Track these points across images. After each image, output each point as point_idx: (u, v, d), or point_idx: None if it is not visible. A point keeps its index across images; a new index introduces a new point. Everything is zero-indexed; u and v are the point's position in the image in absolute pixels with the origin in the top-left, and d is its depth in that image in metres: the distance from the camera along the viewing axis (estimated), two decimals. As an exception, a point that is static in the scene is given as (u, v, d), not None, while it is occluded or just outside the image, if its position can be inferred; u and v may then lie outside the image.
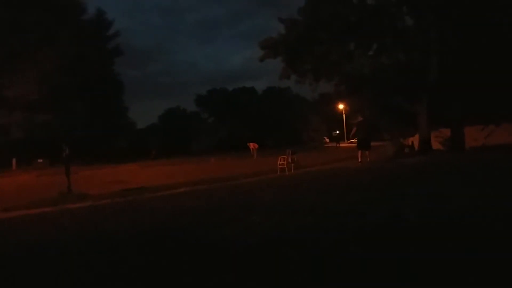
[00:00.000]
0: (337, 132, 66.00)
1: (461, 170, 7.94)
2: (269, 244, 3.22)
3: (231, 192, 7.43)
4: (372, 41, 15.72)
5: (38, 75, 24.52)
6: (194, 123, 54.62)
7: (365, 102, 17.59)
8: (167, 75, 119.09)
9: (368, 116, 11.75)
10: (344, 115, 53.77)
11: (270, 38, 16.33)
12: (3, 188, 13.62)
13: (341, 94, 20.62)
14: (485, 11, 12.33)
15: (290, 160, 12.31)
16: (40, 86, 24.66)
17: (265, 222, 4.01)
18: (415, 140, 16.58)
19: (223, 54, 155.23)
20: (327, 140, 62.05)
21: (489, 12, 12.29)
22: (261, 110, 54.33)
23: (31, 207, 7.07)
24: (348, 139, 56.57)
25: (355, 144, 13.80)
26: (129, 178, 13.63)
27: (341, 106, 52.20)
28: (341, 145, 43.29)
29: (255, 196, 6.65)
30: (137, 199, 7.41)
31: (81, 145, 26.45)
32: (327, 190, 6.53)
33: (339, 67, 15.58)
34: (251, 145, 26.95)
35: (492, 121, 13.81)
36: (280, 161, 12.19)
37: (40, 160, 26.72)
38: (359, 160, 11.61)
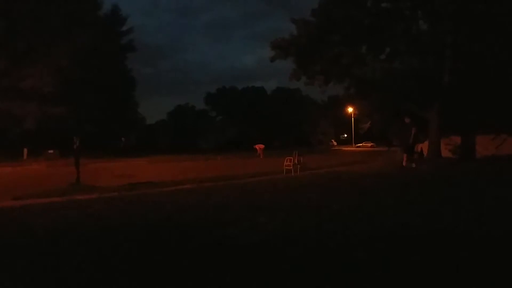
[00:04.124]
0: (345, 135, 65.52)
1: (465, 184, 7.81)
2: (273, 244, 3.23)
3: (237, 190, 7.45)
4: (385, 45, 15.56)
5: (53, 68, 25.01)
6: (202, 121, 54.91)
7: (375, 106, 17.43)
8: (178, 72, 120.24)
9: (411, 120, 11.48)
10: (352, 118, 53.32)
11: (282, 38, 16.32)
12: (14, 177, 13.93)
13: (351, 97, 20.47)
14: (501, 19, 12.09)
15: (296, 162, 12.28)
16: (55, 79, 25.14)
17: (269, 222, 4.03)
18: (424, 147, 16.35)
19: (235, 54, 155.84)
20: (335, 143, 61.64)
21: (505, 20, 12.05)
22: (270, 111, 54.25)
23: (40, 196, 7.21)
24: (355, 143, 56.12)
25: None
26: (137, 172, 13.79)
27: (350, 110, 51.77)
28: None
29: (260, 195, 6.67)
30: (144, 193, 7.50)
31: (91, 138, 26.85)
32: (332, 193, 6.50)
33: (350, 70, 15.47)
34: (257, 147, 26.99)
35: (504, 130, 13.53)
36: (287, 162, 12.17)
37: (50, 151, 27.20)
38: (406, 163, 11.34)
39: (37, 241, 3.66)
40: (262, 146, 27.17)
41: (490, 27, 12.26)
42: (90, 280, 2.52)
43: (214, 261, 2.80)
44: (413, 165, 11.01)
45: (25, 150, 26.77)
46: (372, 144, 53.71)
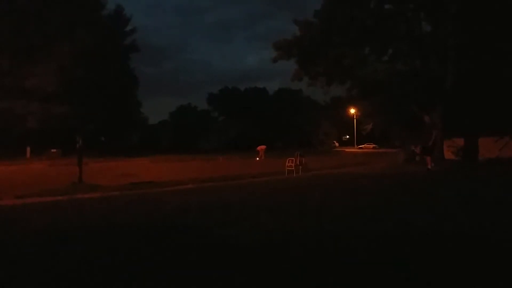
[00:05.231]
0: (347, 136, 65.43)
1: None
2: (274, 244, 3.23)
3: (238, 191, 7.46)
4: (388, 46, 15.54)
5: (56, 67, 25.12)
6: (204, 121, 54.92)
7: (377, 107, 17.39)
8: (181, 73, 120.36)
9: (432, 120, 11.42)
10: (355, 120, 53.23)
11: (284, 39, 16.33)
12: (16, 175, 14.00)
13: (353, 98, 20.43)
14: (505, 20, 12.04)
15: (298, 163, 12.28)
16: (58, 78, 25.25)
17: (270, 222, 4.03)
18: (427, 148, 16.27)
19: (238, 54, 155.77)
20: (337, 144, 61.55)
21: (509, 22, 12.00)
22: (272, 111, 54.23)
23: (43, 195, 7.25)
24: (357, 145, 56.00)
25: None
26: (139, 172, 13.83)
27: (352, 111, 51.69)
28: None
29: (261, 196, 6.67)
30: (146, 193, 7.52)
31: (94, 137, 26.92)
32: (333, 194, 6.49)
33: (352, 71, 15.45)
34: (259, 149, 26.90)
35: (507, 132, 13.46)
36: (288, 162, 12.17)
37: (53, 150, 27.35)
38: (428, 166, 11.33)
39: (39, 240, 3.67)
40: (263, 147, 27.13)
41: (493, 29, 12.21)
42: (91, 279, 2.53)
43: (215, 261, 2.81)
44: (429, 166, 10.99)
45: (28, 149, 26.91)
46: (374, 145, 53.61)
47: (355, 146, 56.05)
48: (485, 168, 11.08)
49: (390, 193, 6.43)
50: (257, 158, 25.13)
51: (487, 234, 3.40)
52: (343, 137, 67.10)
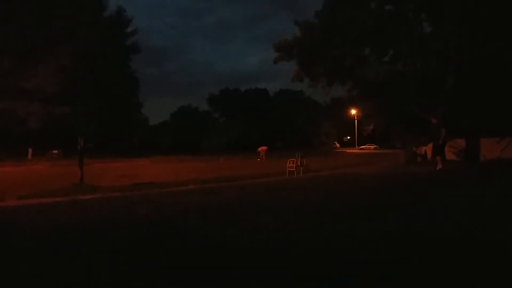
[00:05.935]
0: (348, 137, 65.41)
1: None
2: (275, 245, 3.23)
3: (239, 192, 7.46)
4: (388, 47, 15.54)
5: (57, 68, 25.18)
6: (205, 122, 54.95)
7: (378, 108, 17.39)
8: (182, 74, 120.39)
9: (438, 120, 11.39)
10: (356, 120, 53.16)
11: (285, 40, 16.36)
12: (18, 176, 14.03)
13: (354, 99, 20.43)
14: (506, 21, 12.03)
15: (299, 163, 12.28)
16: (59, 80, 25.31)
17: (271, 223, 4.03)
18: (428, 149, 16.28)
19: (239, 55, 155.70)
20: (338, 145, 61.51)
21: (509, 22, 11.98)
22: (273, 112, 54.28)
23: (44, 196, 7.27)
24: (358, 146, 55.95)
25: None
26: (139, 173, 13.84)
27: (353, 112, 51.61)
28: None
29: (262, 197, 6.67)
30: (147, 194, 7.53)
31: (95, 138, 26.94)
32: (334, 194, 6.49)
33: (353, 72, 15.46)
34: (260, 150, 26.88)
35: (508, 133, 13.43)
36: (289, 163, 12.17)
37: (54, 151, 27.42)
38: (438, 166, 11.28)
39: (40, 240, 3.68)
40: (264, 147, 27.14)
41: (494, 29, 12.20)
42: (92, 279, 2.54)
43: (215, 262, 2.81)
44: (439, 166, 10.94)
45: (30, 150, 26.96)
46: (375, 146, 53.56)
47: (356, 147, 55.98)
48: (487, 169, 11.05)
49: (391, 193, 6.42)
50: (258, 159, 25.10)
51: (488, 234, 3.39)
52: (344, 138, 67.07)
